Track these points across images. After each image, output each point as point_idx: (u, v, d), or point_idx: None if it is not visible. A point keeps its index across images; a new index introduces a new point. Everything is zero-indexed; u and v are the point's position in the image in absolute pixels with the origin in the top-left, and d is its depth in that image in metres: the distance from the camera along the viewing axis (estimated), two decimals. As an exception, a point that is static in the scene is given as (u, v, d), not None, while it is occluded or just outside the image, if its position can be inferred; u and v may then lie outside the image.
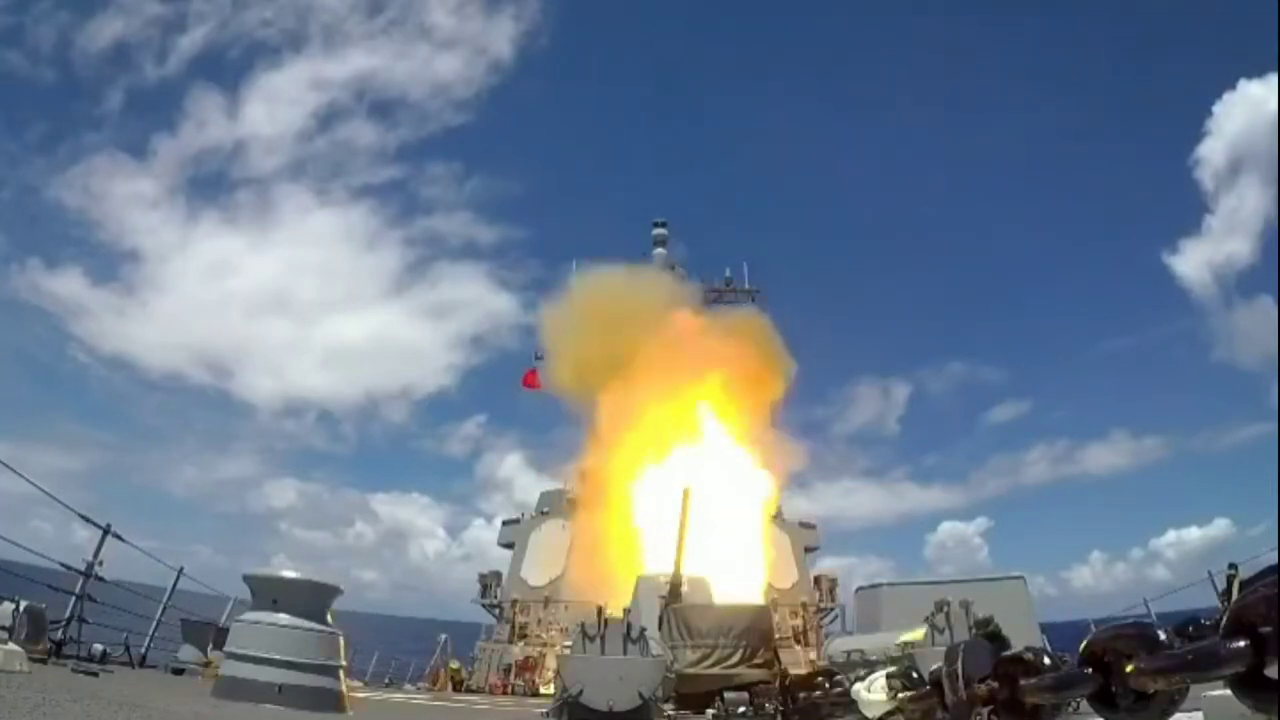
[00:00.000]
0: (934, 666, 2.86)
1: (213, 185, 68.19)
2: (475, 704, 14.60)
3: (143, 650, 11.35)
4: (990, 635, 2.56)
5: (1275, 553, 8.86)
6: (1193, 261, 64.96)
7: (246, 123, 63.94)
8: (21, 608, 8.43)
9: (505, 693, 19.88)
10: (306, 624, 7.26)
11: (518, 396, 39.52)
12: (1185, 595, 13.30)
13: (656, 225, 41.95)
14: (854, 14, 75.46)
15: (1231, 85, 56.33)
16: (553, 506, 34.83)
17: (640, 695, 8.04)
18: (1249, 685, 1.46)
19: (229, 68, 64.90)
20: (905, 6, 71.68)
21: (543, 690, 17.33)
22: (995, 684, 2.40)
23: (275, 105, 65.02)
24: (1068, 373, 75.53)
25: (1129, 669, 1.75)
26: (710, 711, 9.89)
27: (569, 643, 8.36)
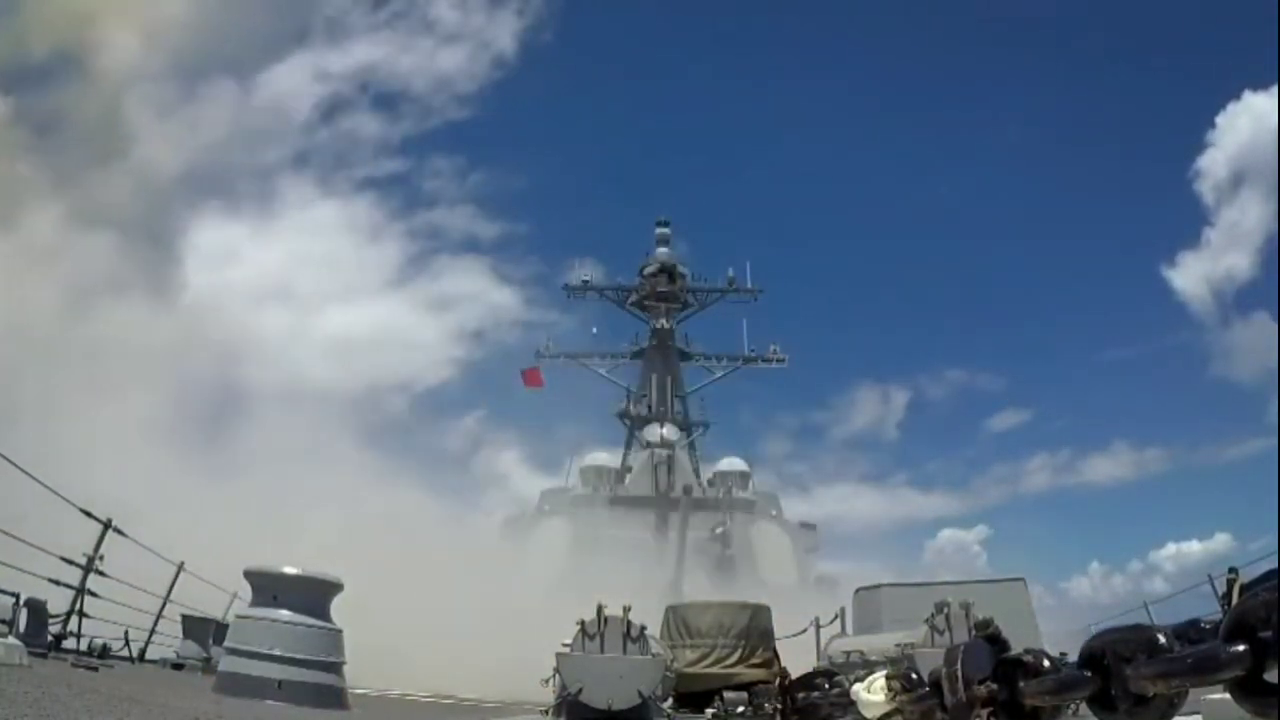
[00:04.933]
0: (933, 667, 2.87)
1: (215, 174, 68.54)
2: (485, 701, 14.61)
3: (143, 645, 11.36)
4: (990, 637, 2.55)
5: (1275, 558, 8.87)
6: (1191, 275, 64.17)
7: (249, 112, 64.31)
8: (22, 600, 8.44)
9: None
10: (307, 620, 7.28)
11: (517, 393, 39.54)
12: (1186, 606, 13.23)
13: (659, 224, 42.03)
14: (856, 17, 75.20)
15: (1236, 96, 55.57)
16: (554, 504, 34.92)
17: (640, 694, 8.04)
18: (1248, 689, 1.46)
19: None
20: (906, 12, 71.47)
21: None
22: (995, 685, 2.41)
23: (278, 96, 65.15)
24: (1069, 382, 74.94)
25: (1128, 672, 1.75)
26: (709, 711, 9.89)
27: (568, 640, 8.36)
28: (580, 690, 7.95)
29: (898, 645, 9.33)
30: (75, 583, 9.44)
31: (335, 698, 7.31)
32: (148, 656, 11.30)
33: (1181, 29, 69.30)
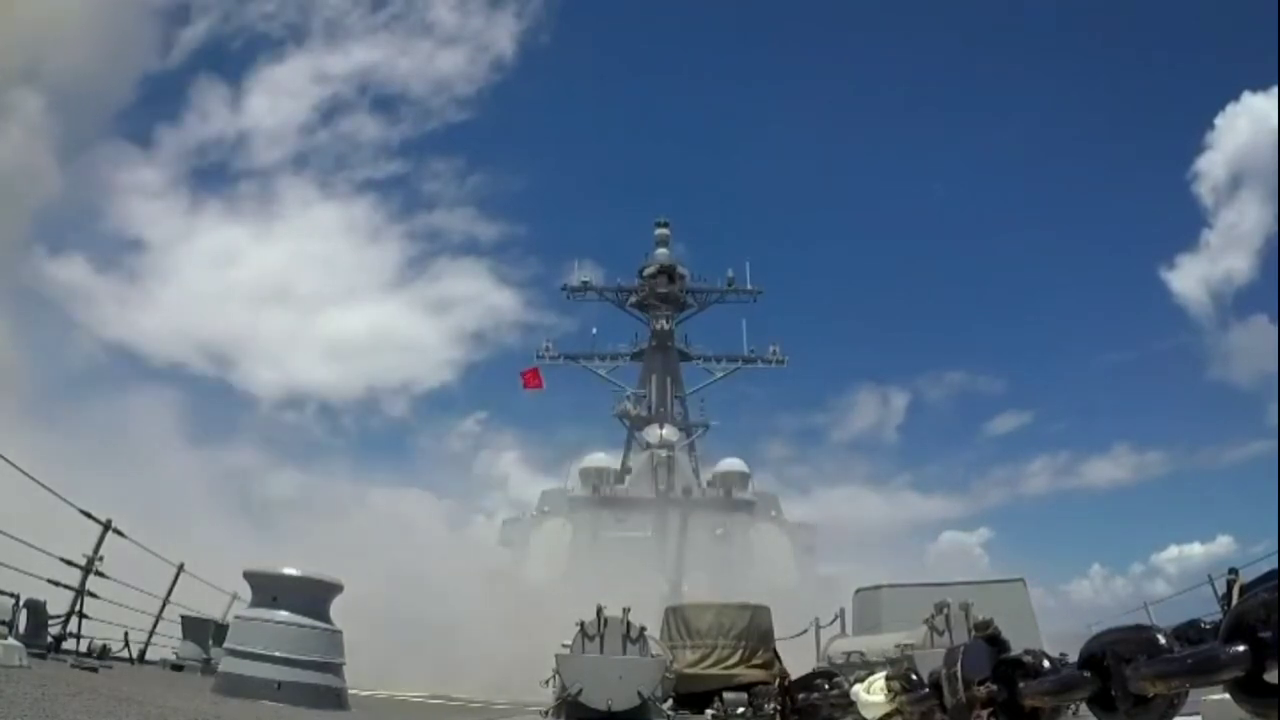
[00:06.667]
0: (933, 668, 2.86)
1: (216, 176, 68.95)
2: (473, 702, 14.61)
3: (142, 646, 11.35)
4: (990, 638, 2.55)
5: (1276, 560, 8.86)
6: (1190, 277, 64.14)
7: (249, 115, 64.54)
8: (21, 601, 8.44)
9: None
10: (306, 621, 7.27)
11: (517, 394, 39.56)
12: (1187, 607, 13.22)
13: (658, 225, 42.01)
14: (855, 18, 75.26)
15: (1235, 97, 55.48)
16: (553, 505, 34.92)
17: (639, 695, 8.04)
18: (1248, 690, 1.46)
19: (232, 60, 65.39)
20: (903, 13, 71.49)
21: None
22: (994, 686, 2.40)
23: (278, 98, 65.29)
24: (1069, 385, 74.36)
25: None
26: (709, 712, 9.88)
27: (568, 641, 8.36)
28: (580, 691, 7.95)
29: (898, 646, 9.31)
30: (75, 584, 9.43)
31: (335, 699, 7.31)
32: (147, 658, 11.29)
33: (1181, 29, 69.32)
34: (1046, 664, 2.27)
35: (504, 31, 70.48)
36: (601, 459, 36.82)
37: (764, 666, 10.69)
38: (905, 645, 9.15)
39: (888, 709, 3.35)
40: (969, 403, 68.01)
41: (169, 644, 11.91)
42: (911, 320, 71.15)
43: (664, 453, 33.88)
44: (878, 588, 13.57)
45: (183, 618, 11.97)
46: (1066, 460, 68.21)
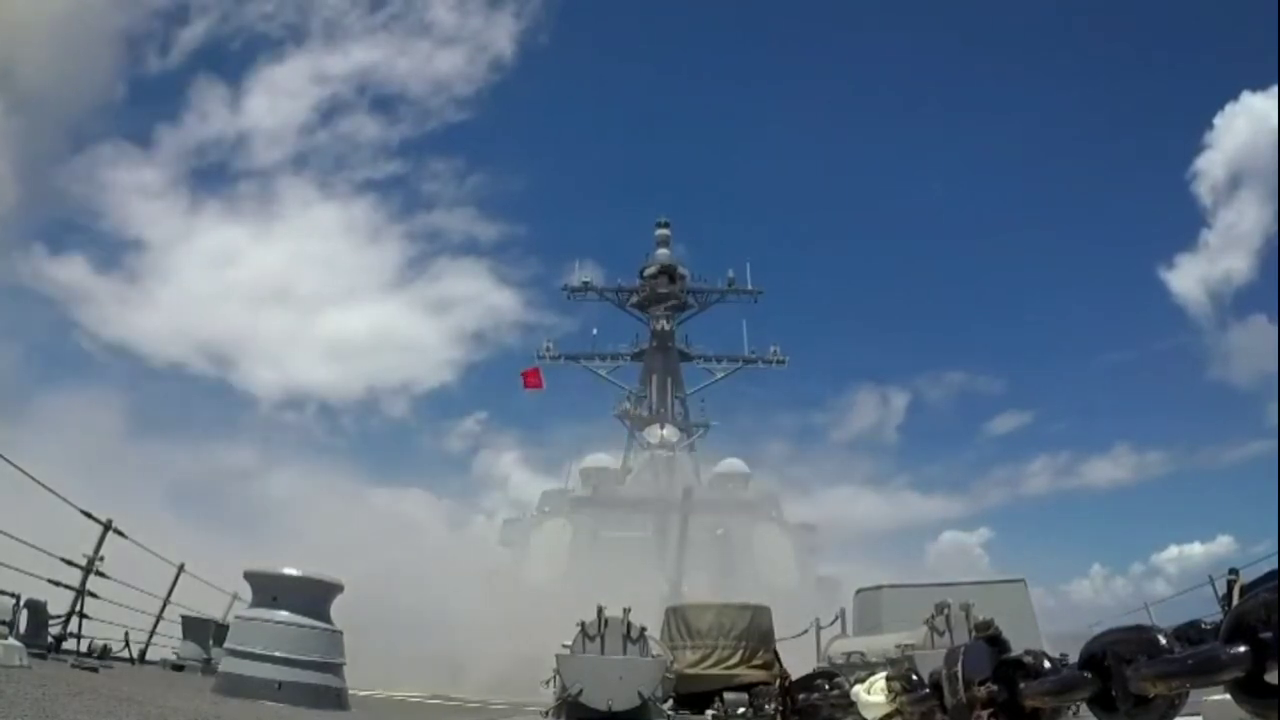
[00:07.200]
0: (934, 669, 2.86)
1: (215, 176, 69.25)
2: (473, 702, 14.61)
3: (143, 646, 11.35)
4: (990, 638, 2.55)
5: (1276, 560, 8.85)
6: (1189, 277, 64.44)
7: (248, 115, 64.78)
8: (22, 601, 8.43)
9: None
10: (307, 621, 7.28)
11: (517, 394, 39.60)
12: (1188, 608, 13.21)
13: (659, 225, 42.03)
14: (856, 18, 75.23)
15: (1234, 97, 55.55)
16: (554, 506, 34.93)
17: (640, 695, 8.03)
18: (1249, 690, 1.46)
19: (231, 60, 65.65)
20: (904, 13, 71.53)
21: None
22: (995, 686, 2.40)
23: (277, 98, 65.52)
24: (1069, 385, 74.17)
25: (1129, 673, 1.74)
26: (710, 712, 9.87)
27: (569, 642, 8.36)
28: (580, 691, 7.94)
29: (898, 646, 9.31)
30: (75, 584, 9.43)
31: (335, 699, 7.31)
32: (148, 658, 11.29)
33: (1181, 29, 69.32)
34: (1047, 664, 2.26)
35: (503, 31, 70.71)
36: (602, 459, 36.84)
37: (764, 667, 10.68)
38: (906, 645, 9.15)
39: (888, 709, 3.34)
40: (969, 403, 68.25)
41: (169, 644, 11.91)
42: (911, 320, 71.30)
43: (664, 453, 33.90)
44: (878, 588, 13.56)
45: (183, 618, 11.97)
46: (1066, 460, 68.40)
